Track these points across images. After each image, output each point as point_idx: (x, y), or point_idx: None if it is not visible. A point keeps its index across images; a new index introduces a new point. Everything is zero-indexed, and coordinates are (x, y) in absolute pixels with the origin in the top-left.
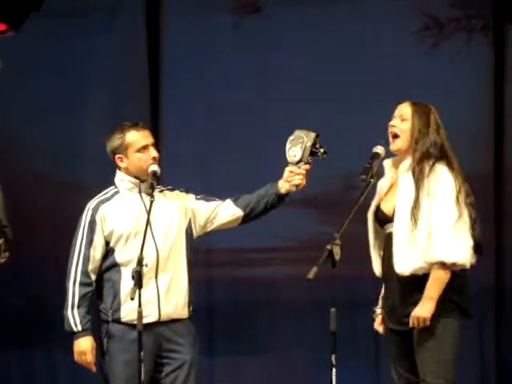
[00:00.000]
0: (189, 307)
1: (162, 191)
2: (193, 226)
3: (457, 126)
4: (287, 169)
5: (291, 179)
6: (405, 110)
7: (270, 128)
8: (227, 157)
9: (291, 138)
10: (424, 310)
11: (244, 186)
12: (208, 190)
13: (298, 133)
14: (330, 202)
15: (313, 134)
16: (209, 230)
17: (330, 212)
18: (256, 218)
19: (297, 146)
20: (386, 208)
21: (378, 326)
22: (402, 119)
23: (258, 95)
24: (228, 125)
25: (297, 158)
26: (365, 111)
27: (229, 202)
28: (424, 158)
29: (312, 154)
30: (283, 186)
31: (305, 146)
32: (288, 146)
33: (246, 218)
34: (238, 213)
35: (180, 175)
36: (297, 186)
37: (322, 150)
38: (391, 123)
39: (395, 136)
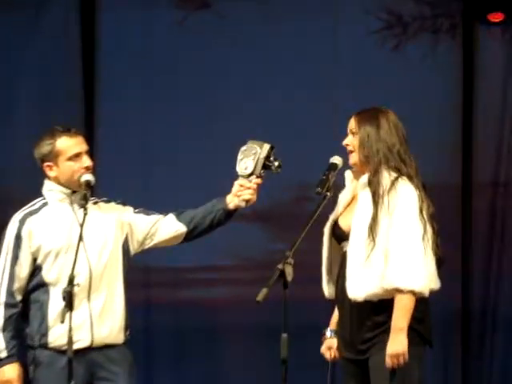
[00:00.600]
0: (125, 332)
1: (96, 203)
2: (130, 242)
3: (422, 133)
4: (237, 182)
5: (240, 194)
6: (352, 123)
7: (217, 132)
8: (169, 167)
9: (243, 148)
10: (398, 344)
11: (188, 200)
12: (147, 204)
13: (251, 144)
14: (282, 216)
15: (267, 146)
16: (147, 246)
17: (281, 227)
18: (200, 235)
19: (249, 157)
20: (344, 223)
21: (326, 351)
22: (352, 133)
23: (205, 95)
24: (171, 133)
25: (248, 171)
26: (321, 116)
27: (171, 216)
28: (378, 168)
29: (265, 167)
30: (232, 200)
31: (258, 158)
32: (239, 156)
33: (190, 235)
34: (181, 229)
35: (116, 187)
36: (247, 201)
37: (276, 164)
38: (344, 142)
39: (351, 151)
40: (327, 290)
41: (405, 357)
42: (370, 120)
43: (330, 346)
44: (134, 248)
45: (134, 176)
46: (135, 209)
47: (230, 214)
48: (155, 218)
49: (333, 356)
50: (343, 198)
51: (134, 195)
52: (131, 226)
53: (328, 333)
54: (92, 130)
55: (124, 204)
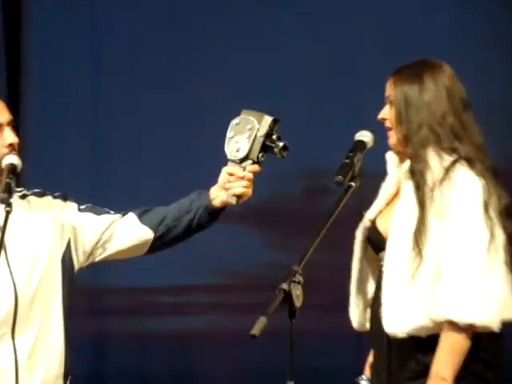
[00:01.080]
0: (65, 379)
1: (24, 196)
2: (73, 253)
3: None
4: (225, 169)
5: (230, 186)
6: (388, 87)
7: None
8: (129, 152)
9: (235, 121)
10: None
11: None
12: (98, 202)
13: (245, 115)
14: (287, 216)
15: (268, 119)
16: (98, 258)
17: (286, 231)
18: (172, 243)
19: (243, 134)
20: (385, 226)
21: None
22: (390, 102)
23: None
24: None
25: (241, 154)
26: (342, 82)
27: (132, 217)
28: (421, 151)
29: (265, 149)
30: (217, 195)
31: (255, 135)
32: (229, 133)
33: (158, 243)
34: (146, 234)
35: (51, 176)
36: (238, 196)
37: (280, 145)
38: (379, 115)
39: (389, 128)
40: (356, 318)
41: None
42: (409, 80)
43: None
44: (78, 260)
45: (79, 162)
46: (80, 206)
47: (214, 214)
48: (109, 218)
49: None
50: (385, 189)
51: (78, 190)
52: (75, 230)
53: (363, 382)
54: (18, 94)
55: (65, 199)
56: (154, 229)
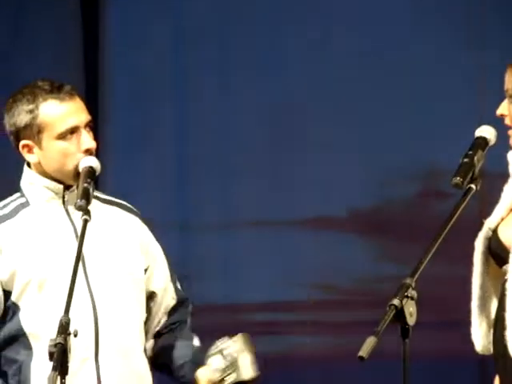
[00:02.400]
0: None
1: (108, 202)
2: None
3: None
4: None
5: None
6: (508, 81)
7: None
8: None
9: (222, 347)
10: None
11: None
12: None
13: (232, 352)
14: (397, 222)
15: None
16: None
17: (396, 239)
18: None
19: (225, 368)
20: (507, 235)
21: None
22: (509, 96)
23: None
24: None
25: (216, 376)
26: (461, 76)
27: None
28: None
29: None
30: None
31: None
32: (213, 352)
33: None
34: (148, 345)
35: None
36: None
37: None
38: (498, 110)
39: (510, 127)
40: (480, 340)
41: None
42: None
43: None
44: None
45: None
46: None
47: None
48: (164, 284)
49: None
50: (507, 193)
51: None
52: (153, 262)
53: None
54: (95, 94)
55: (151, 227)
56: (154, 352)
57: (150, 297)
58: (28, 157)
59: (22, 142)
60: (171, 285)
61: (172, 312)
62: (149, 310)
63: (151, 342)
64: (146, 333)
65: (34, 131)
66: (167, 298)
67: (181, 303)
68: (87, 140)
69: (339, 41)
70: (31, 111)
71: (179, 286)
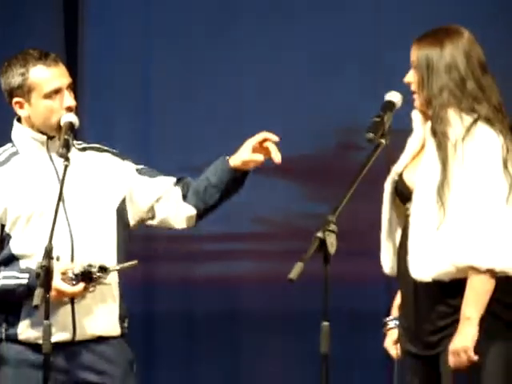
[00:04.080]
0: (121, 321)
1: (84, 149)
2: (128, 210)
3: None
4: (253, 143)
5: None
6: (412, 53)
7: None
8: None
9: None
10: (465, 338)
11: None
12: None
13: None
14: (322, 170)
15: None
16: (146, 222)
17: (321, 184)
18: (211, 212)
19: None
20: (410, 179)
21: (391, 346)
22: (414, 67)
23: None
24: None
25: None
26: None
27: (178, 192)
28: (443, 112)
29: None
30: (239, 164)
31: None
32: None
33: (201, 217)
34: (190, 211)
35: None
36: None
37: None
38: (405, 78)
39: (414, 92)
40: (388, 263)
41: (469, 354)
42: (430, 46)
43: (396, 339)
44: (132, 218)
45: (132, 123)
46: (138, 166)
47: (241, 182)
48: (163, 186)
49: (400, 352)
50: (410, 145)
51: (130, 149)
52: (131, 190)
53: (392, 322)
54: (75, 57)
55: (123, 157)
56: (197, 207)
57: (156, 208)
58: (19, 111)
59: (15, 99)
60: (159, 183)
61: (178, 182)
62: (170, 200)
63: (190, 207)
64: (182, 210)
65: (24, 90)
66: (168, 192)
67: (178, 179)
68: (68, 99)
69: None
70: (23, 74)
71: (162, 175)
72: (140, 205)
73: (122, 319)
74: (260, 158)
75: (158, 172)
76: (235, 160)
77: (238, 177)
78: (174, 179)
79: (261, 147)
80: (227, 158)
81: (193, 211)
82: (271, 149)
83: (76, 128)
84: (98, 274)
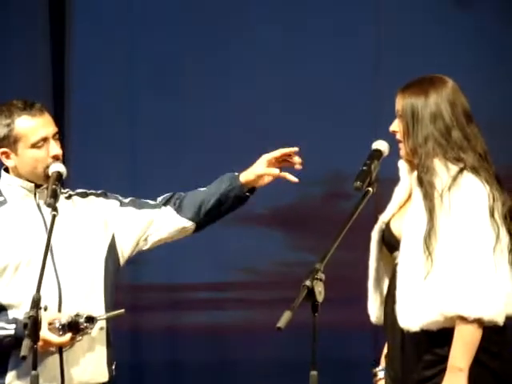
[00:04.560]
0: (109, 366)
1: (69, 197)
2: (118, 246)
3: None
4: (269, 158)
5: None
6: (397, 102)
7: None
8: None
9: None
10: None
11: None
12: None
13: None
14: (310, 218)
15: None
16: (144, 249)
17: (309, 232)
18: (212, 223)
19: None
20: (397, 228)
21: None
22: (399, 116)
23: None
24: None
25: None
26: (361, 91)
27: (169, 211)
28: (428, 162)
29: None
30: (252, 182)
31: None
32: None
33: (199, 228)
34: (187, 226)
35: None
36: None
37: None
38: (390, 127)
39: (399, 141)
40: (375, 312)
41: None
42: (415, 95)
43: None
44: (124, 253)
45: (119, 166)
46: (122, 200)
47: (246, 199)
48: (149, 213)
49: None
50: (397, 194)
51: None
52: (118, 225)
53: (381, 372)
54: (61, 103)
55: (106, 195)
56: (195, 220)
57: (150, 224)
58: (6, 162)
59: (1, 150)
60: (146, 213)
61: (167, 202)
62: (162, 222)
63: (184, 220)
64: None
65: (10, 141)
66: (156, 217)
67: (169, 198)
68: (55, 148)
69: None
70: (8, 125)
71: (159, 198)
72: (129, 235)
73: (109, 364)
74: (276, 171)
75: (147, 202)
76: (247, 175)
77: (244, 195)
78: (161, 201)
79: (276, 162)
80: (236, 174)
81: (190, 225)
82: (295, 161)
83: (64, 177)
84: (85, 325)
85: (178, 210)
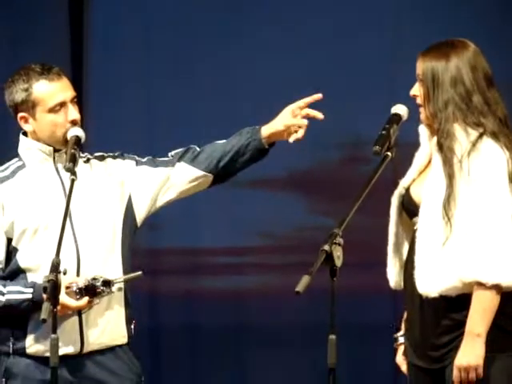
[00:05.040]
0: (128, 325)
1: (87, 160)
2: (135, 206)
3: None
4: (294, 108)
5: (295, 128)
6: (418, 67)
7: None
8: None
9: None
10: (470, 353)
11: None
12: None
13: None
14: (328, 183)
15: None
16: (160, 205)
17: (327, 197)
18: (231, 177)
19: None
20: (418, 193)
21: (402, 361)
22: (419, 80)
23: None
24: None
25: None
26: (382, 54)
27: (184, 165)
28: (448, 126)
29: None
30: (272, 136)
31: None
32: None
33: (217, 180)
34: (203, 176)
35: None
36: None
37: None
38: (411, 91)
39: (420, 105)
40: (394, 277)
41: (478, 371)
42: (436, 59)
43: (405, 354)
44: (140, 215)
45: (135, 131)
46: (138, 160)
47: (266, 152)
48: (165, 170)
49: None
50: (418, 159)
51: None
52: (134, 184)
53: (402, 338)
54: (80, 68)
55: (123, 156)
56: (212, 171)
57: (166, 181)
58: (24, 126)
59: (20, 115)
60: (161, 170)
61: (181, 157)
62: (177, 177)
63: (199, 172)
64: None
65: (29, 106)
66: (170, 176)
67: (183, 151)
68: (73, 112)
69: None
70: (26, 89)
71: (172, 153)
72: (146, 194)
73: (128, 323)
74: (304, 122)
75: (161, 159)
76: (273, 126)
77: (264, 147)
78: (175, 156)
79: (299, 114)
80: (257, 127)
81: (208, 176)
82: (310, 112)
83: (82, 141)
84: (102, 288)
85: (193, 162)
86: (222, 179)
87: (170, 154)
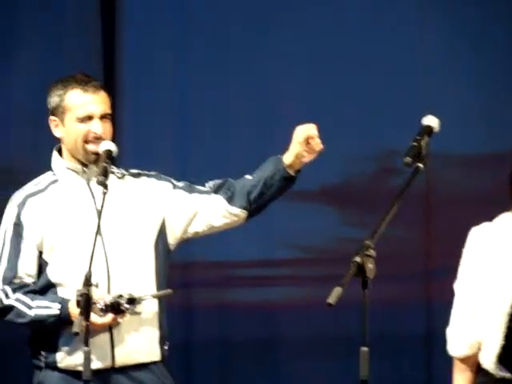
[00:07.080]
0: (161, 345)
1: (122, 176)
2: (169, 231)
3: None
4: (300, 137)
5: (310, 149)
6: None
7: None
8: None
9: None
10: None
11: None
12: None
13: None
14: (360, 195)
15: None
16: (191, 235)
17: (358, 209)
18: (262, 209)
19: None
20: None
21: None
22: None
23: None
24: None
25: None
26: (413, 66)
27: (220, 199)
28: None
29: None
30: (293, 163)
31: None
32: None
33: (251, 216)
34: (239, 213)
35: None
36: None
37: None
38: None
39: None
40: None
41: None
42: None
43: None
44: (174, 238)
45: (168, 145)
46: (175, 183)
47: (293, 180)
48: (200, 198)
49: None
50: None
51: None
52: (169, 207)
53: None
54: (113, 83)
55: (159, 177)
56: (246, 208)
57: (199, 209)
58: (54, 131)
59: (52, 117)
60: (197, 197)
61: (218, 189)
62: (212, 208)
63: (236, 209)
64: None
65: (60, 111)
66: (208, 203)
67: (219, 183)
68: (97, 127)
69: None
70: (60, 95)
71: (209, 183)
72: (180, 218)
73: (162, 343)
74: (318, 147)
75: (197, 187)
76: (288, 156)
77: (290, 175)
78: (212, 187)
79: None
80: (279, 156)
81: (243, 214)
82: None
83: (114, 155)
84: (127, 306)
85: (230, 199)
86: (254, 214)
87: (207, 185)
